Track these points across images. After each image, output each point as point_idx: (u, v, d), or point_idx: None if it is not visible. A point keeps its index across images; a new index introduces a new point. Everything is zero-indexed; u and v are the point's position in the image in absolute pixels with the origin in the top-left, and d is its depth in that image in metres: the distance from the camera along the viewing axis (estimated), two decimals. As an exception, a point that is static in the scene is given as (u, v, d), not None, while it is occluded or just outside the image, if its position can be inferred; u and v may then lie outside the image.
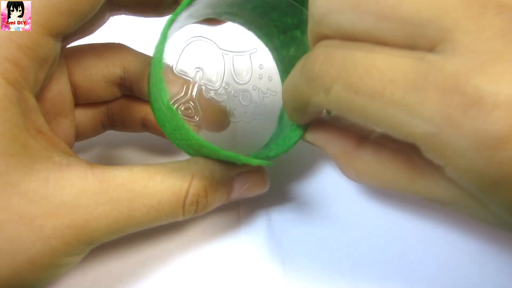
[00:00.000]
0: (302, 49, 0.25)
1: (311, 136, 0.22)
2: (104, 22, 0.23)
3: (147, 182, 0.18)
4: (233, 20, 0.25)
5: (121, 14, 0.23)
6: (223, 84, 0.27)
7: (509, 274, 0.22)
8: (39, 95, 0.20)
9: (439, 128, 0.13)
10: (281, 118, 0.27)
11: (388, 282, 0.23)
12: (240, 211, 0.25)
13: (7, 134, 0.16)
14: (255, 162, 0.20)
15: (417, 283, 0.22)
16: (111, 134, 0.27)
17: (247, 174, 0.22)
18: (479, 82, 0.13)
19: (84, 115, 0.24)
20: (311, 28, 0.18)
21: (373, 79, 0.15)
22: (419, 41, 0.14)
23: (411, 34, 0.14)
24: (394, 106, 0.14)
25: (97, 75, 0.23)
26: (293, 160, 0.27)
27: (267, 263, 0.23)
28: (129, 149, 0.29)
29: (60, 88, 0.21)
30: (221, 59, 0.27)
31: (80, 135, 0.24)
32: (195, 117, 0.25)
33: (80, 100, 0.23)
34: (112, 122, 0.25)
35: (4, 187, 0.16)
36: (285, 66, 0.26)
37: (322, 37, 0.17)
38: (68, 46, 0.22)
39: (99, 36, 0.23)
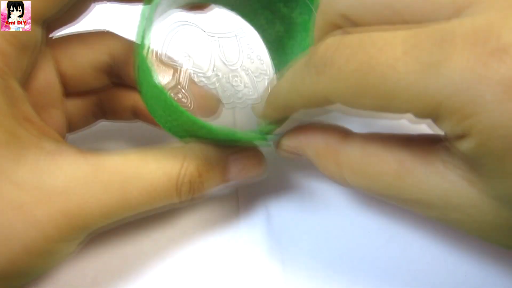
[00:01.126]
0: (288, 24, 0.25)
1: (289, 141, 0.21)
2: (87, 10, 0.22)
3: (139, 165, 0.18)
4: (216, 2, 0.25)
5: (104, 2, 0.22)
6: (214, 69, 0.27)
7: (509, 273, 0.23)
8: (26, 85, 0.20)
9: (469, 82, 0.13)
10: None
11: (387, 279, 0.23)
12: (239, 206, 0.25)
13: None
14: (250, 137, 0.21)
15: (416, 281, 0.22)
16: (103, 127, 0.26)
17: (241, 154, 0.22)
18: (509, 33, 0.12)
19: (74, 105, 0.24)
20: (319, 18, 0.17)
21: (393, 47, 0.14)
22: (442, 11, 0.14)
23: (433, 4, 0.14)
24: (418, 70, 0.13)
25: (84, 63, 0.22)
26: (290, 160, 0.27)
27: (266, 257, 0.23)
28: (122, 142, 0.28)
29: (47, 78, 0.21)
30: (208, 43, 0.27)
31: (71, 126, 0.24)
32: (189, 105, 0.26)
33: (69, 89, 0.23)
34: (103, 112, 0.25)
35: None
36: (273, 44, 0.27)
37: (331, 27, 0.17)
38: (54, 36, 0.22)
39: (85, 25, 0.22)
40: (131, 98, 0.25)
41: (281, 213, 0.25)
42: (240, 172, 0.22)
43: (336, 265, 0.23)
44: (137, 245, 0.24)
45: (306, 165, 0.26)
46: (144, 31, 0.18)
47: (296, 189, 0.26)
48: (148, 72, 0.18)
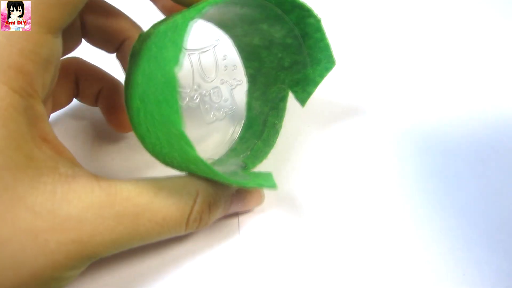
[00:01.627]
0: (267, 39, 0.25)
1: None
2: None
3: (152, 197, 0.18)
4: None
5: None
6: (195, 87, 0.27)
7: (507, 271, 0.23)
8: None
9: None
10: (249, 106, 0.28)
11: (385, 277, 0.23)
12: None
13: (13, 145, 0.15)
14: (263, 184, 0.21)
15: (414, 280, 0.23)
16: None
17: (245, 190, 0.23)
18: None
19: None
20: None
21: None
22: None
23: None
24: None
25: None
26: (291, 153, 0.28)
27: (265, 251, 0.24)
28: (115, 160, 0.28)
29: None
30: (188, 60, 0.27)
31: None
32: None
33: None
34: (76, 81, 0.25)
35: (11, 202, 0.15)
36: (248, 53, 0.27)
37: None
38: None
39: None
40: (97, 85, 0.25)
41: (279, 209, 0.25)
42: (242, 205, 0.23)
43: (333, 259, 0.23)
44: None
45: (303, 164, 0.27)
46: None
47: (294, 187, 0.26)
48: (175, 97, 0.16)
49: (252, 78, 0.28)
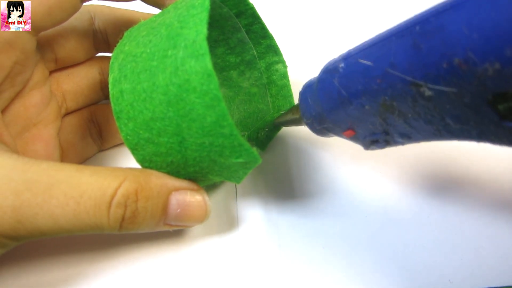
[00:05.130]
0: (235, 90, 0.25)
1: None
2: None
3: (73, 172, 0.17)
4: None
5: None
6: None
7: (503, 257, 0.23)
8: (21, 100, 0.20)
9: None
10: None
11: (383, 264, 0.23)
12: (237, 197, 0.26)
13: None
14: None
15: (412, 266, 0.23)
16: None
17: (185, 192, 0.19)
18: None
19: (68, 122, 0.24)
20: None
21: None
22: None
23: None
24: None
25: (79, 79, 0.23)
26: (289, 146, 0.28)
27: (264, 246, 0.24)
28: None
29: (41, 96, 0.21)
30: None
31: (68, 145, 0.24)
32: None
33: (69, 105, 0.23)
34: (99, 129, 0.25)
35: None
36: (220, 71, 0.26)
37: None
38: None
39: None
40: None
41: (278, 201, 0.25)
42: (180, 211, 0.19)
43: (332, 252, 0.23)
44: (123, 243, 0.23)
45: (302, 157, 0.27)
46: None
47: (293, 179, 0.26)
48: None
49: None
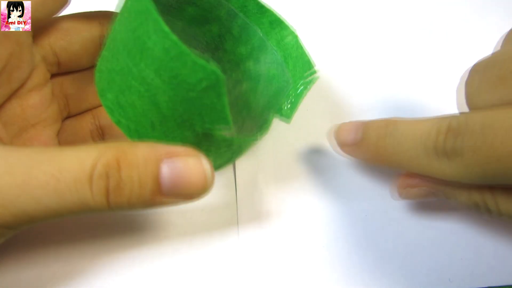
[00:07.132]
0: (256, 79, 0.24)
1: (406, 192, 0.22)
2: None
3: (53, 151, 0.16)
4: None
5: None
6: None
7: (503, 256, 0.23)
8: (20, 100, 0.20)
9: None
10: None
11: (383, 264, 0.23)
12: (237, 197, 0.25)
13: None
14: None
15: (412, 265, 0.23)
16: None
17: (178, 157, 0.17)
18: None
19: (69, 124, 0.24)
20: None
21: None
22: None
23: None
24: None
25: (78, 38, 0.21)
26: (289, 146, 0.28)
27: (264, 246, 0.24)
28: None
29: (40, 98, 0.21)
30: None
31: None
32: None
33: (63, 67, 0.22)
34: (101, 132, 0.25)
35: None
36: (236, 105, 0.25)
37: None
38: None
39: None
40: None
41: (277, 197, 0.25)
42: (175, 179, 0.17)
43: (331, 251, 0.23)
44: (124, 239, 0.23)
45: (302, 154, 0.27)
46: None
47: (293, 176, 0.26)
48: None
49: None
